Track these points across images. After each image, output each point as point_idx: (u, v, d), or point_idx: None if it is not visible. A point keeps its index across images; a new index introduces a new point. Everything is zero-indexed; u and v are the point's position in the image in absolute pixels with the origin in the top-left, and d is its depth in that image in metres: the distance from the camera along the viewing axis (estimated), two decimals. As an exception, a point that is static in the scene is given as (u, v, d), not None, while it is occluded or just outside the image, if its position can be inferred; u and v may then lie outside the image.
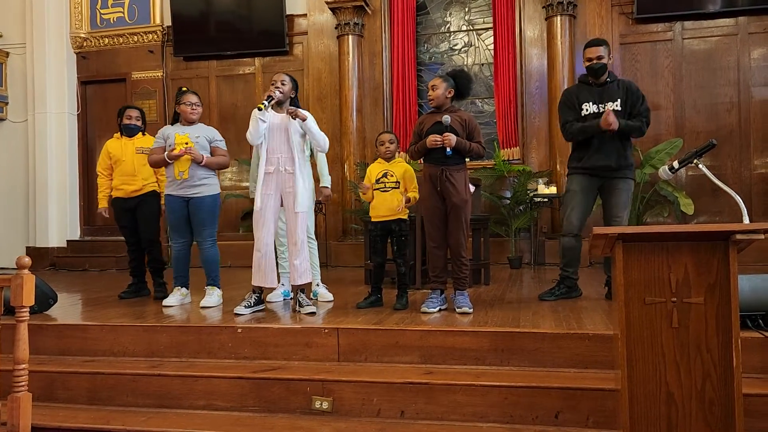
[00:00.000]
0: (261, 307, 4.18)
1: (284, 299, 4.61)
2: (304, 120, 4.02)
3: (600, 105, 4.20)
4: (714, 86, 6.98)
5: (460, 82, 4.01)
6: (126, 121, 5.01)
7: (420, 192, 4.09)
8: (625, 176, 4.22)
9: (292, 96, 4.17)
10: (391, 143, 4.19)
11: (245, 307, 4.06)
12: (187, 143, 4.37)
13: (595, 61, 4.18)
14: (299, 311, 4.03)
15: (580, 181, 4.29)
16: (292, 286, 4.26)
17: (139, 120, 5.05)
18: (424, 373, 3.21)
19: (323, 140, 4.17)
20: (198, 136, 4.43)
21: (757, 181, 6.88)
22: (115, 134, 5.09)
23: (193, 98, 4.51)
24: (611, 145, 4.17)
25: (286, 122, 4.08)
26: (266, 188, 4.10)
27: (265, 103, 3.95)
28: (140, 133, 5.06)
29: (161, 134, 4.51)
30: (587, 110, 4.23)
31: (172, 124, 4.60)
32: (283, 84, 4.09)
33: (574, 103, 4.30)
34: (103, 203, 5.08)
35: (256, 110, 3.99)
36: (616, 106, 4.15)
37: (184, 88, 4.63)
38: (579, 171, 4.30)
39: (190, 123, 4.50)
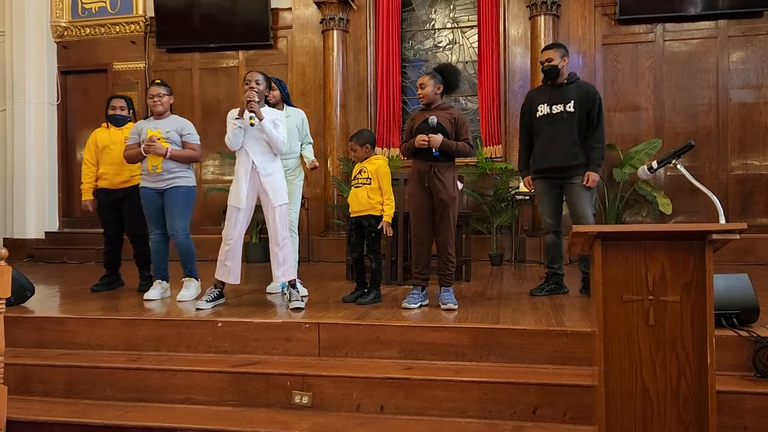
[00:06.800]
0: (222, 300, 4.17)
1: (282, 291, 4.58)
2: (260, 120, 3.93)
3: (552, 106, 4.28)
4: (693, 88, 7.07)
5: (448, 76, 4.03)
6: (111, 112, 4.94)
7: (408, 188, 4.10)
8: (581, 174, 4.24)
9: (266, 95, 4.16)
10: (353, 151, 4.23)
11: (206, 301, 4.04)
12: (151, 138, 4.33)
13: (545, 64, 4.30)
14: (288, 306, 4.00)
15: (540, 184, 4.42)
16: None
17: (124, 110, 4.97)
18: (404, 368, 3.23)
19: (280, 143, 4.04)
20: (169, 131, 4.37)
21: (734, 182, 6.99)
22: (104, 124, 5.00)
23: (157, 89, 4.42)
24: (559, 146, 4.23)
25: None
26: (243, 187, 4.05)
27: (256, 120, 3.92)
28: (129, 122, 4.97)
29: (135, 129, 4.49)
30: (541, 111, 4.33)
31: (145, 118, 4.56)
32: (257, 84, 4.02)
33: (529, 107, 4.42)
34: (87, 195, 4.93)
35: (233, 119, 3.96)
36: (569, 107, 4.20)
37: (158, 81, 4.58)
38: (534, 175, 4.43)
39: (160, 115, 4.45)
